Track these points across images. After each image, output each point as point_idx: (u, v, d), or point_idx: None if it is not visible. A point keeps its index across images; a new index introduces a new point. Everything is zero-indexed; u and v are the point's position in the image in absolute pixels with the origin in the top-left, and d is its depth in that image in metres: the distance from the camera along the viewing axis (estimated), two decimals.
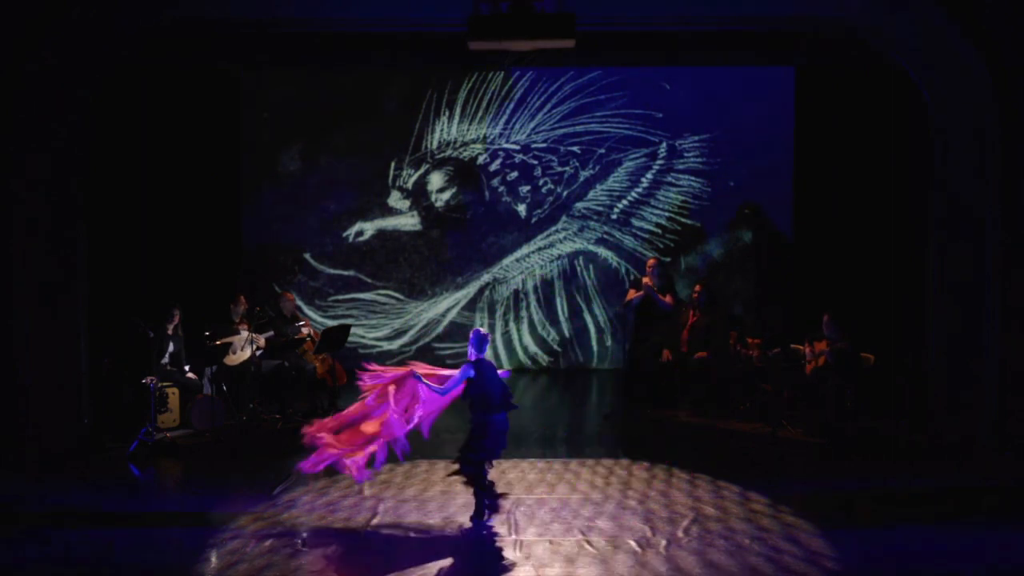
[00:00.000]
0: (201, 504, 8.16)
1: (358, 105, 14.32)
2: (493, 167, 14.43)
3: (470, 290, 14.56)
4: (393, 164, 14.42)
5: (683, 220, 14.35)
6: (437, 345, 14.50)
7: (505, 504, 7.68)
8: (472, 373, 7.37)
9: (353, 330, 13.20)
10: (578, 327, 14.48)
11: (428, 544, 7.09)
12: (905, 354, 11.16)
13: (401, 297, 14.51)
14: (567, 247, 14.49)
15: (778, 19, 10.08)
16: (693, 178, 14.31)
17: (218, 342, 10.42)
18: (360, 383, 7.71)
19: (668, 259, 14.09)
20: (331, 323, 13.52)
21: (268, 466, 9.26)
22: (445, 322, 14.51)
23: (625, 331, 11.80)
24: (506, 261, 14.53)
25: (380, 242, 14.48)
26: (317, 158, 14.37)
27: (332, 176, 14.38)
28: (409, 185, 14.44)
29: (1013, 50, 9.56)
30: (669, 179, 14.34)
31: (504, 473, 8.22)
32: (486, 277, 14.55)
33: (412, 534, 7.27)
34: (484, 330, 7.54)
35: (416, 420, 7.52)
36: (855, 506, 8.12)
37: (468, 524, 7.42)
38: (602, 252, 14.46)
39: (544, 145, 14.38)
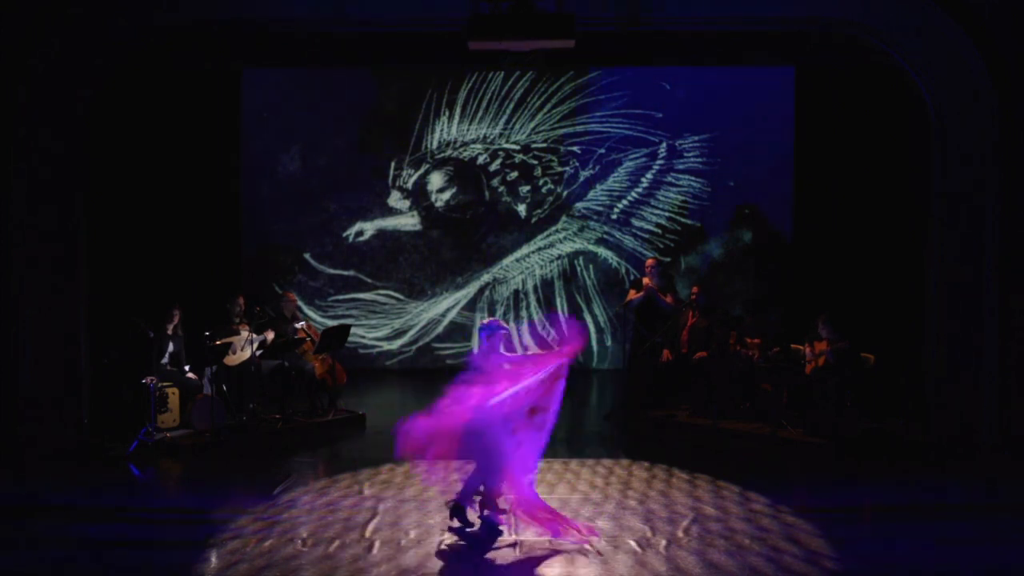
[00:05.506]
0: (201, 504, 8.16)
1: (358, 105, 14.32)
2: (493, 167, 14.43)
3: (470, 290, 14.56)
4: (393, 164, 14.42)
5: (683, 220, 14.36)
6: (437, 345, 14.51)
7: (505, 504, 7.69)
8: None
9: (353, 330, 13.21)
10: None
11: (428, 544, 7.09)
12: (905, 354, 11.16)
13: (401, 297, 14.52)
14: (567, 247, 14.49)
15: (778, 19, 10.08)
16: (693, 178, 14.31)
17: (218, 342, 10.41)
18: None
19: (668, 259, 14.10)
20: (331, 323, 13.52)
21: (268, 466, 9.27)
22: (445, 322, 14.52)
23: (625, 331, 11.80)
24: (506, 261, 14.54)
25: (380, 242, 14.48)
26: (317, 158, 14.37)
27: (332, 176, 14.38)
28: (409, 185, 14.44)
29: (1013, 50, 9.57)
30: (669, 179, 14.34)
31: None
32: (486, 277, 14.55)
33: (412, 534, 7.28)
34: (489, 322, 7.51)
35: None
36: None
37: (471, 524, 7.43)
38: (602, 252, 14.47)
39: (544, 145, 14.38)
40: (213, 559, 6.82)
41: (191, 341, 10.66)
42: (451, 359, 14.45)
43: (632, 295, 11.60)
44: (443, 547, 7.03)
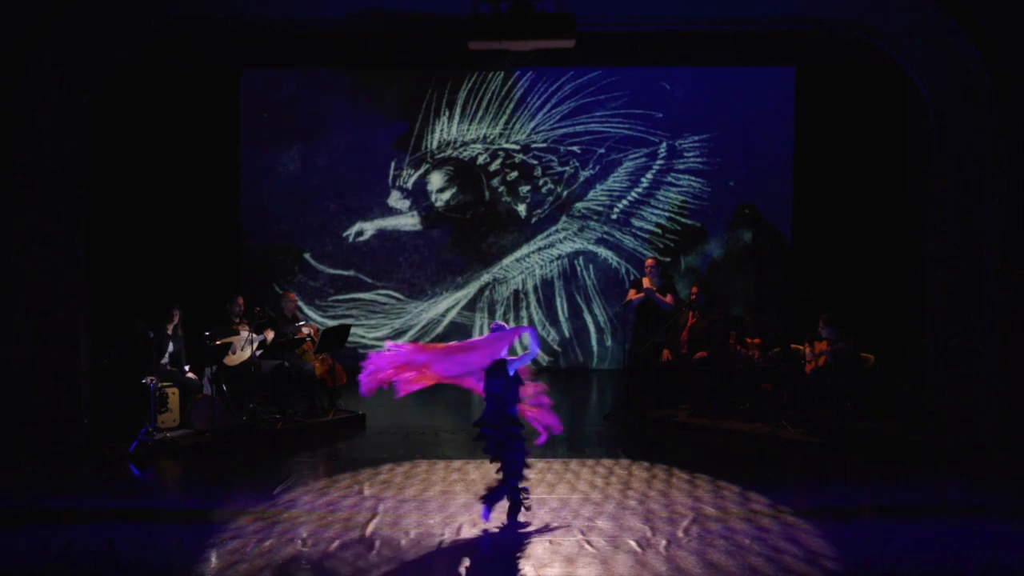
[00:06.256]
0: (201, 504, 8.16)
1: (358, 105, 14.32)
2: (493, 167, 14.43)
3: (470, 290, 14.56)
4: (393, 164, 14.42)
5: (683, 220, 14.35)
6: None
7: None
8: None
9: (353, 330, 13.21)
10: (578, 327, 14.48)
11: (428, 544, 7.09)
12: (904, 354, 11.17)
13: (401, 297, 14.51)
14: (567, 247, 14.49)
15: (778, 19, 10.09)
16: (693, 178, 14.31)
17: (218, 342, 10.42)
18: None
19: (668, 259, 14.10)
20: (331, 323, 13.52)
21: (268, 466, 9.27)
22: (445, 322, 14.51)
23: (625, 331, 11.80)
24: (506, 261, 14.54)
25: (380, 242, 14.48)
26: (317, 158, 14.37)
27: (332, 176, 14.38)
28: (409, 185, 14.44)
29: (1013, 49, 9.57)
30: (669, 179, 14.34)
31: None
32: (486, 277, 14.55)
33: (412, 534, 7.28)
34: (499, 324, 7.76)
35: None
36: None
37: (471, 524, 7.42)
38: (602, 252, 14.46)
39: (544, 145, 14.38)
40: (213, 559, 6.82)
41: (191, 341, 10.66)
42: None
43: (632, 295, 11.61)
44: (443, 547, 7.03)
